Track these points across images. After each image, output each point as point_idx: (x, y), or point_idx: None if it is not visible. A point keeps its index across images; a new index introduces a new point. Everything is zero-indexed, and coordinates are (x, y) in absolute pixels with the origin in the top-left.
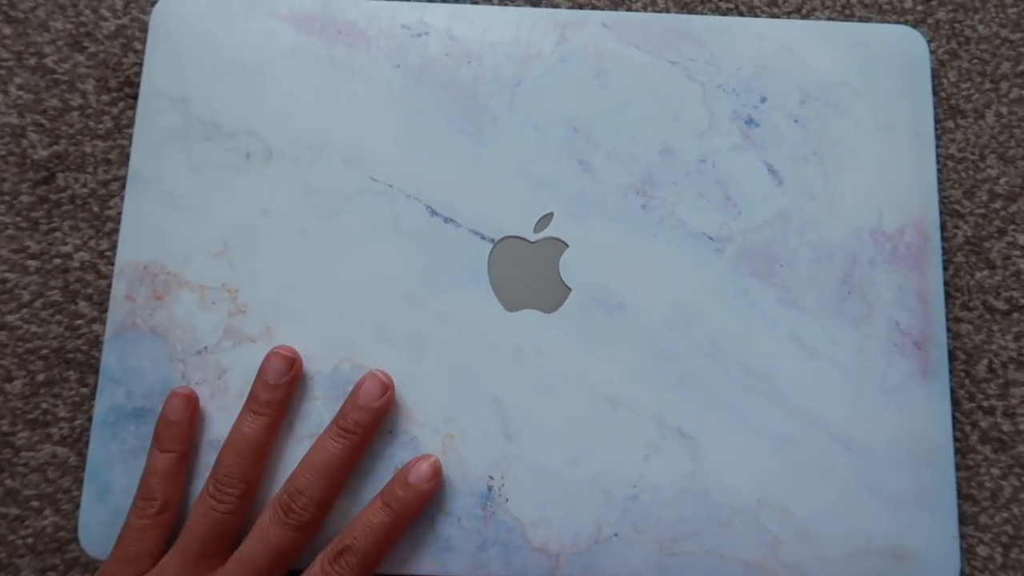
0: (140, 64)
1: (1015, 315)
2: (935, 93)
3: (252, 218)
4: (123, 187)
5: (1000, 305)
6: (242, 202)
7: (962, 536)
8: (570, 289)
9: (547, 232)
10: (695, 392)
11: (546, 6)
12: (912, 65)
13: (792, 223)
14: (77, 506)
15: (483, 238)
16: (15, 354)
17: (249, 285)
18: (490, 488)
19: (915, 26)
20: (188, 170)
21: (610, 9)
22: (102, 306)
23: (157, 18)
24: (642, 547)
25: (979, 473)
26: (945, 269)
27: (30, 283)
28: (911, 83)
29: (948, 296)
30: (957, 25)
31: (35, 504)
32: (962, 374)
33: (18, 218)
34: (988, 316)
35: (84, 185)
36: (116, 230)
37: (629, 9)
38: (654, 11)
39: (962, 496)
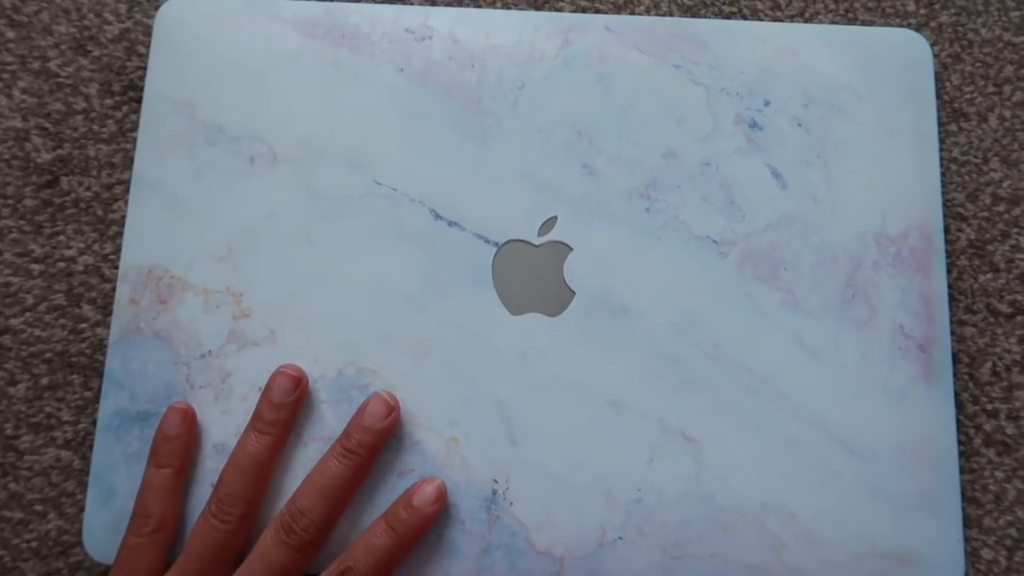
0: (144, 68)
1: (1019, 318)
2: (938, 96)
3: (256, 222)
4: (127, 191)
5: (1004, 308)
6: (246, 206)
7: (966, 539)
8: (574, 293)
9: (551, 236)
10: (699, 395)
11: (549, 10)
12: (915, 69)
13: (796, 226)
14: (81, 510)
15: (487, 241)
16: (19, 358)
17: (253, 289)
18: (494, 492)
19: (918, 30)
20: (192, 174)
21: (613, 13)
22: (106, 310)
23: (161, 22)
24: (646, 550)
25: (983, 476)
26: (949, 272)
27: (34, 287)
28: (914, 87)
29: (952, 299)
30: (960, 29)
31: (39, 508)
32: (966, 377)
33: (22, 221)
34: (992, 319)
35: (88, 189)
36: (120, 234)
37: (632, 13)
38: (657, 15)
39: (966, 499)
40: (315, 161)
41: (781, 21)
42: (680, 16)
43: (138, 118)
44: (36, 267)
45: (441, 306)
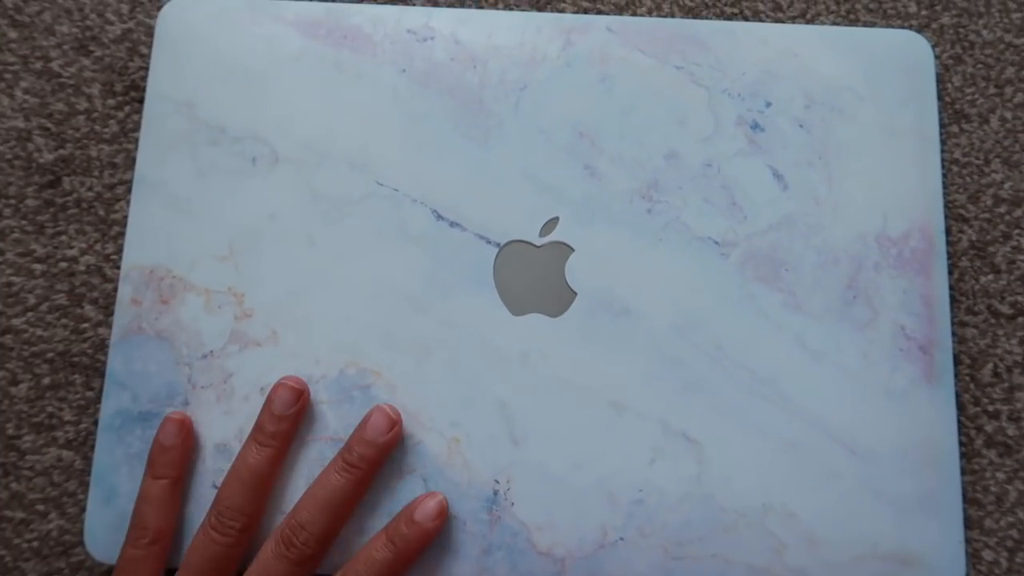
0: (146, 68)
1: (1020, 319)
2: (940, 98)
3: (258, 222)
4: (129, 191)
5: (1005, 309)
6: (248, 206)
7: (967, 540)
8: (576, 293)
9: (553, 236)
10: (700, 396)
11: (551, 11)
12: (917, 70)
13: (797, 228)
14: (83, 510)
15: (489, 242)
16: (21, 357)
17: (255, 289)
18: (496, 492)
19: (919, 31)
20: (194, 174)
21: (615, 14)
22: (108, 310)
23: (163, 22)
24: (647, 551)
25: (984, 477)
26: (950, 273)
27: (36, 286)
28: (916, 88)
29: (953, 300)
30: (961, 30)
31: (40, 508)
32: (967, 378)
33: (24, 221)
34: (993, 320)
35: (90, 189)
36: (122, 234)
37: (634, 14)
38: (659, 16)
39: (967, 500)
40: (317, 162)
41: (783, 22)
42: (682, 17)
43: (140, 118)
44: (38, 267)
45: (443, 307)
